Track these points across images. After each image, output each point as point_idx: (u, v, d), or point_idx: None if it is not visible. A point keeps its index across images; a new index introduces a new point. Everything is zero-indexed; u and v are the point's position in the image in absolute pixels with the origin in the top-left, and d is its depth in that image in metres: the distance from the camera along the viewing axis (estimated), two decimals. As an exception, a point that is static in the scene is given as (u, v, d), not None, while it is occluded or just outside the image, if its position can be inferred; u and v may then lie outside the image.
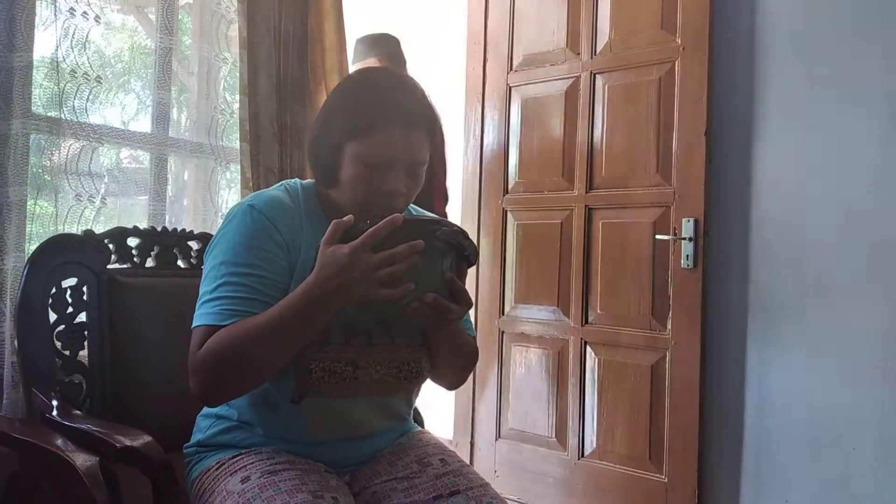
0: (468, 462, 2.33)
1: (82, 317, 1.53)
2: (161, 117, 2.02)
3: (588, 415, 2.48)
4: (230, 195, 2.25)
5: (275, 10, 2.17)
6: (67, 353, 1.49)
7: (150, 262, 1.69)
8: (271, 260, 1.12)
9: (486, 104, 2.81)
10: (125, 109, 2.18)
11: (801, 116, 2.15)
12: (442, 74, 3.01)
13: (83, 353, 1.53)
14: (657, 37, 2.36)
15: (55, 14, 1.72)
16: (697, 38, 2.25)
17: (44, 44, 1.70)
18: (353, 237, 0.99)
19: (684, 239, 2.25)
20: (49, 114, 1.73)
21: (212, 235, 1.23)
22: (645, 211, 2.37)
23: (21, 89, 1.61)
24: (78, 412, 1.41)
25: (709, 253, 2.25)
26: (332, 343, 1.13)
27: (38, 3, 1.65)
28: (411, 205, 1.28)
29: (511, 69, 2.75)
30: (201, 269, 1.16)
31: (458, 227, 1.07)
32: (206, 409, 1.26)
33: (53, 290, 1.48)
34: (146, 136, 2.01)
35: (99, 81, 1.84)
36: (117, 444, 1.17)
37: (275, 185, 1.24)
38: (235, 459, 1.16)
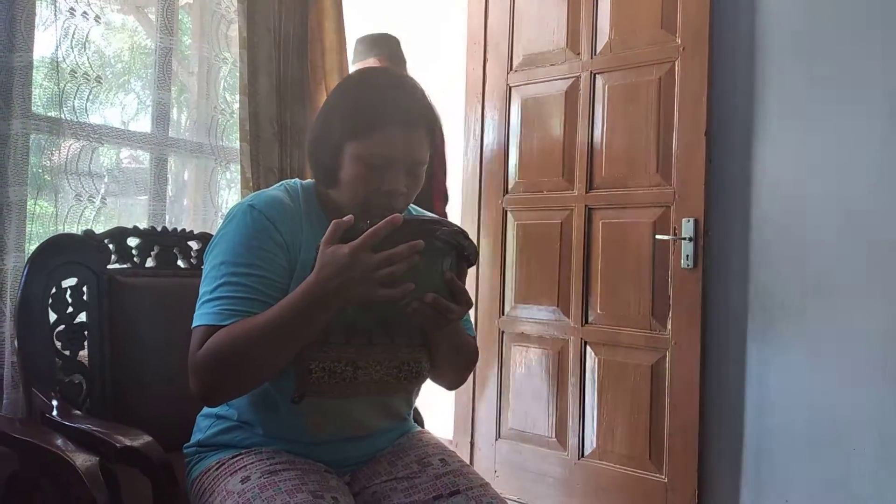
0: (468, 462, 2.33)
1: (82, 317, 1.53)
2: (161, 117, 2.02)
3: (588, 415, 2.48)
4: (230, 195, 2.25)
5: (275, 10, 2.17)
6: (67, 353, 1.49)
7: (150, 262, 1.69)
8: (271, 260, 1.12)
9: (486, 104, 2.81)
10: (125, 109, 2.18)
11: (801, 116, 2.15)
12: (442, 74, 3.01)
13: (83, 353, 1.52)
14: (657, 37, 2.36)
15: (55, 14, 1.72)
16: (697, 37, 2.25)
17: (44, 44, 1.70)
18: (353, 237, 0.99)
19: (684, 239, 2.25)
20: (49, 114, 1.73)
21: (212, 235, 1.23)
22: (645, 211, 2.37)
23: (21, 89, 1.61)
24: (78, 412, 1.41)
25: (709, 253, 2.25)
26: (332, 343, 1.13)
27: (38, 3, 1.65)
28: (411, 205, 1.28)
29: (511, 69, 2.75)
30: (201, 269, 1.16)
31: (458, 227, 1.07)
32: (206, 409, 1.26)
33: (53, 290, 1.48)
34: (146, 136, 2.01)
35: (99, 81, 1.84)
36: (117, 444, 1.18)
37: (275, 185, 1.24)
38: (235, 459, 1.16)
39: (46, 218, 1.73)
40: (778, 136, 2.19)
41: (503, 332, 2.73)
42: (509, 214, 2.74)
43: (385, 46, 2.60)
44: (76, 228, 1.73)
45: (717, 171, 2.27)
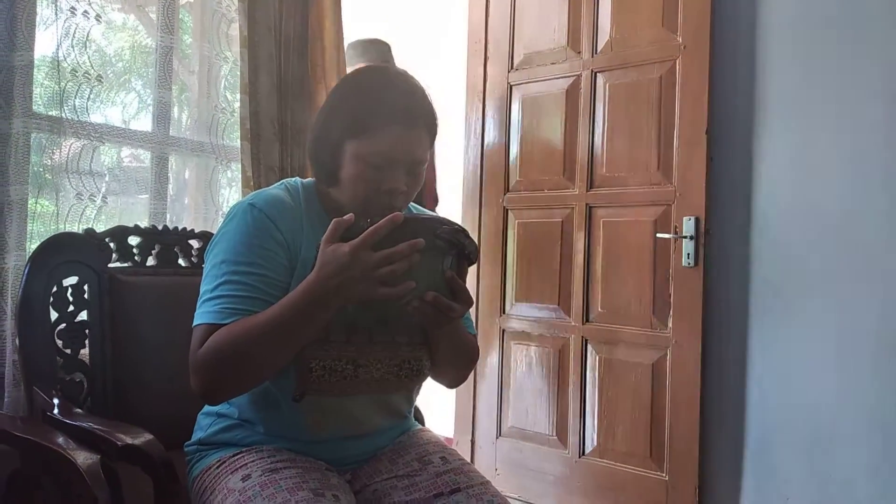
0: (469, 460, 2.33)
1: (83, 315, 1.53)
2: (162, 116, 2.03)
3: (589, 413, 2.48)
4: (231, 194, 2.25)
5: (275, 9, 2.17)
6: (68, 351, 1.50)
7: (150, 261, 1.69)
8: (272, 258, 1.12)
9: (486, 103, 2.81)
10: (126, 108, 2.18)
11: (802, 115, 2.15)
12: (443, 73, 3.01)
13: (84, 352, 1.53)
14: (658, 35, 2.35)
15: (56, 13, 1.72)
16: (698, 36, 2.25)
17: (45, 43, 1.70)
18: (353, 236, 0.99)
19: (685, 237, 2.25)
20: (50, 113, 1.73)
21: (212, 234, 1.23)
22: (646, 209, 2.37)
23: (22, 88, 1.61)
24: (79, 410, 1.41)
25: (710, 251, 2.25)
26: (333, 341, 1.13)
27: (38, 3, 1.65)
28: (411, 203, 1.28)
29: (512, 68, 2.74)
30: (202, 268, 1.16)
31: (459, 226, 1.07)
32: (207, 408, 1.27)
33: (54, 289, 1.49)
34: (147, 135, 2.01)
35: (100, 80, 1.84)
36: (118, 443, 1.18)
37: (275, 184, 1.25)
38: (236, 457, 1.16)
39: (47, 217, 1.73)
40: (778, 134, 2.19)
41: (504, 331, 2.73)
42: (510, 213, 2.74)
43: (375, 52, 2.60)
44: (77, 227, 1.74)
45: (717, 170, 2.27)
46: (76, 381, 1.50)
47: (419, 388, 1.34)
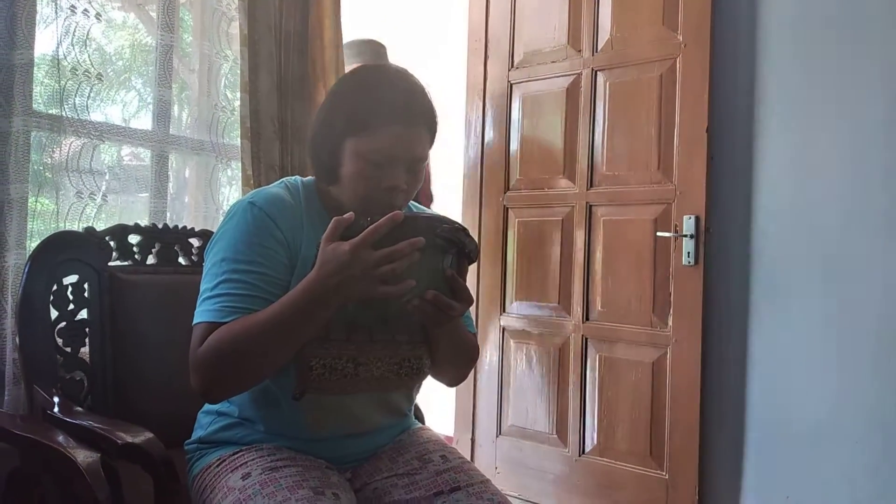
0: (469, 459, 2.33)
1: (83, 314, 1.53)
2: (162, 115, 2.02)
3: (589, 411, 2.48)
4: (231, 192, 2.25)
5: (276, 7, 2.17)
6: (69, 349, 1.50)
7: (151, 260, 1.69)
8: (272, 257, 1.12)
9: (487, 101, 2.81)
10: (126, 107, 2.18)
11: (803, 113, 2.15)
12: (443, 71, 3.01)
13: (84, 350, 1.53)
14: (658, 34, 2.35)
15: (56, 12, 1.72)
16: (699, 35, 2.25)
17: (45, 41, 1.70)
18: (353, 234, 0.99)
19: (685, 236, 2.25)
20: (50, 111, 1.73)
21: (213, 233, 1.23)
22: (646, 208, 2.37)
23: (22, 87, 1.61)
24: (79, 409, 1.41)
25: (710, 250, 2.25)
26: (333, 340, 1.13)
27: (38, 1, 1.65)
28: (411, 202, 1.28)
29: (512, 66, 2.74)
30: (202, 267, 1.16)
31: (459, 224, 1.07)
32: (207, 406, 1.27)
33: (55, 288, 1.49)
34: (147, 134, 2.01)
35: (100, 79, 1.84)
36: (119, 441, 1.18)
37: (275, 183, 1.25)
38: (236, 456, 1.16)
39: (47, 215, 1.73)
40: (779, 133, 2.19)
41: (504, 329, 2.73)
42: (510, 211, 2.73)
43: (370, 53, 2.60)
44: (77, 226, 1.74)
45: (718, 169, 2.27)
46: (76, 380, 1.50)
47: (419, 387, 1.34)
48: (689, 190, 2.26)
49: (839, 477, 2.06)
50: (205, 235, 1.78)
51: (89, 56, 1.80)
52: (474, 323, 2.16)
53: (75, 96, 1.77)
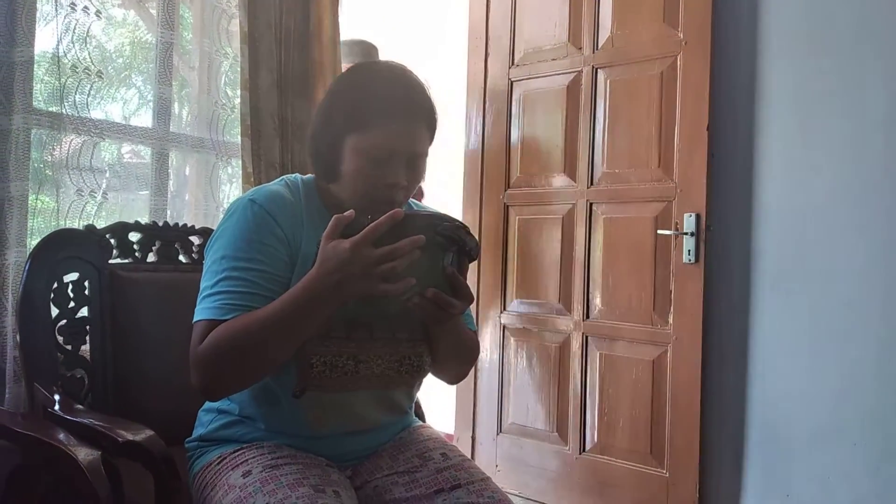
0: (469, 456, 2.33)
1: (84, 311, 1.53)
2: (162, 112, 2.02)
3: (589, 409, 2.48)
4: (231, 190, 2.25)
5: (276, 5, 2.17)
6: (69, 347, 1.50)
7: (151, 257, 1.69)
8: (272, 254, 1.12)
9: (487, 99, 2.81)
10: (126, 104, 2.18)
11: (803, 111, 2.15)
12: (443, 69, 3.01)
13: (85, 348, 1.53)
14: (659, 31, 2.35)
15: (56, 9, 1.72)
16: (700, 32, 2.24)
17: (45, 39, 1.70)
18: (353, 232, 0.99)
19: (686, 234, 2.25)
20: (50, 109, 1.73)
21: (213, 230, 1.23)
22: (646, 206, 2.37)
23: (22, 84, 1.60)
24: (80, 406, 1.41)
25: (710, 248, 2.25)
26: (334, 337, 1.13)
27: (38, -1, 1.65)
28: (411, 200, 1.28)
29: (513, 64, 2.74)
30: (202, 264, 1.16)
31: (460, 222, 1.07)
32: (207, 404, 1.27)
33: (55, 285, 1.48)
34: (147, 131, 2.01)
35: (100, 76, 1.84)
36: (119, 439, 1.18)
37: (275, 180, 1.24)
38: (237, 454, 1.17)
39: (48, 213, 1.73)
40: (780, 131, 2.19)
41: (504, 327, 2.73)
42: (511, 209, 2.73)
43: (361, 53, 2.60)
44: (77, 223, 1.74)
45: (718, 166, 2.27)
46: (77, 378, 1.50)
47: (420, 384, 1.34)
48: (689, 188, 2.26)
49: (839, 476, 2.06)
50: (205, 233, 1.78)
51: (89, 53, 1.80)
52: (475, 320, 2.16)
53: (75, 94, 1.76)
